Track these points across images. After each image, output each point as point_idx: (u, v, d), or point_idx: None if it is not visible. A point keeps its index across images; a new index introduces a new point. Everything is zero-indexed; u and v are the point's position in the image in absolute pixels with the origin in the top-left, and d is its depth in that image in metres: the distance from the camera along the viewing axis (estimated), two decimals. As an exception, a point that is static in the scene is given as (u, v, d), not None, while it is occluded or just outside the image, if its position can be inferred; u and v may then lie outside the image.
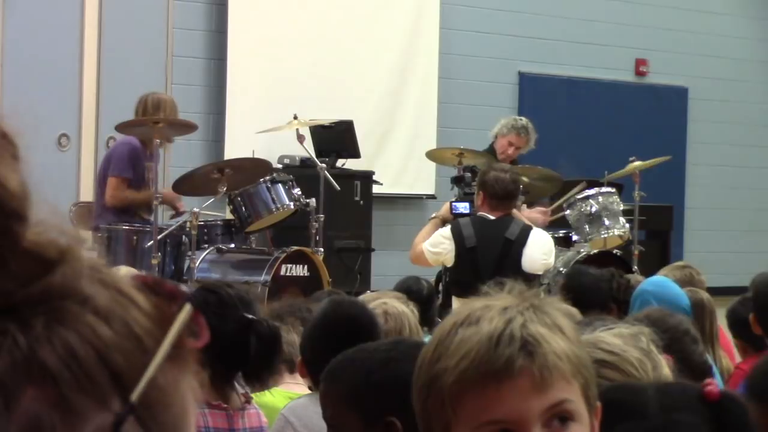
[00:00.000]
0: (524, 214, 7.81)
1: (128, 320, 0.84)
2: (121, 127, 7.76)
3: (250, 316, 3.24)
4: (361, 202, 10.76)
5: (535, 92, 12.87)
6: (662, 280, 4.97)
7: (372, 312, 3.44)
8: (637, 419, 1.71)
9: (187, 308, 0.87)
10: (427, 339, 2.15)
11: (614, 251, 8.42)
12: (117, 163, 7.89)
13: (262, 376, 3.29)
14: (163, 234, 7.55)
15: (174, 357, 0.86)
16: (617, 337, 2.26)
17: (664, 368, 2.27)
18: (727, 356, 5.06)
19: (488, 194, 6.89)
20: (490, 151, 8.93)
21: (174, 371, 0.86)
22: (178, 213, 8.13)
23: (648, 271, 6.75)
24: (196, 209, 7.50)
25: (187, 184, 7.82)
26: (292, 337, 3.98)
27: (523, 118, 9.21)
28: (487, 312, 1.55)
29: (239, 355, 3.18)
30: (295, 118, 8.51)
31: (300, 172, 9.51)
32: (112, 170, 7.89)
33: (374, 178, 10.97)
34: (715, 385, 1.73)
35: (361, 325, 3.29)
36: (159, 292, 0.88)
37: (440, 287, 7.31)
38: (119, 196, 7.84)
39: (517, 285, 1.62)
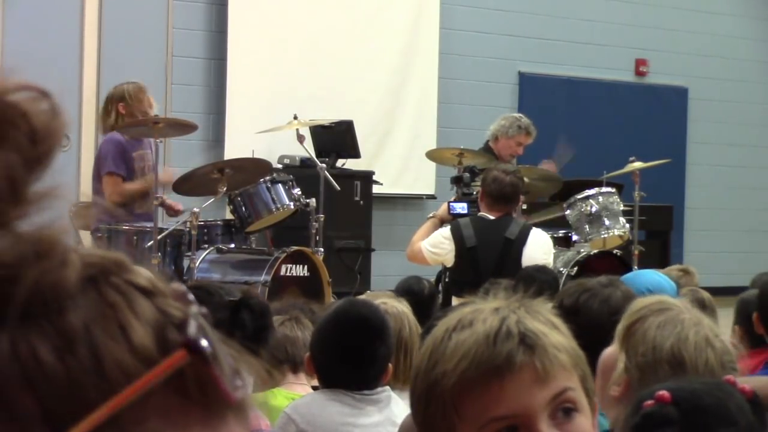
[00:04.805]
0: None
1: (98, 348, 0.71)
2: (120, 127, 7.75)
3: (237, 297, 3.27)
4: (361, 202, 10.75)
5: (535, 92, 12.86)
6: (631, 277, 4.70)
7: (384, 314, 3.43)
8: (730, 424, 1.69)
9: (182, 354, 0.73)
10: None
11: (614, 251, 8.41)
12: (107, 161, 7.88)
13: (259, 341, 3.27)
14: (163, 234, 7.54)
15: (174, 404, 0.73)
16: None
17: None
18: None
19: (485, 192, 6.93)
20: (486, 150, 8.92)
21: (170, 418, 0.73)
22: (175, 213, 8.10)
23: (648, 271, 6.74)
24: (195, 209, 7.50)
25: (187, 184, 7.81)
26: (294, 334, 3.96)
27: (522, 116, 9.21)
28: (479, 314, 1.56)
29: (237, 337, 3.19)
30: (295, 118, 8.50)
31: (300, 172, 9.50)
32: (105, 169, 7.89)
33: (374, 178, 10.96)
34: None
35: (372, 326, 3.28)
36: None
37: (440, 287, 7.30)
38: (119, 191, 7.84)
39: (504, 290, 1.63)
